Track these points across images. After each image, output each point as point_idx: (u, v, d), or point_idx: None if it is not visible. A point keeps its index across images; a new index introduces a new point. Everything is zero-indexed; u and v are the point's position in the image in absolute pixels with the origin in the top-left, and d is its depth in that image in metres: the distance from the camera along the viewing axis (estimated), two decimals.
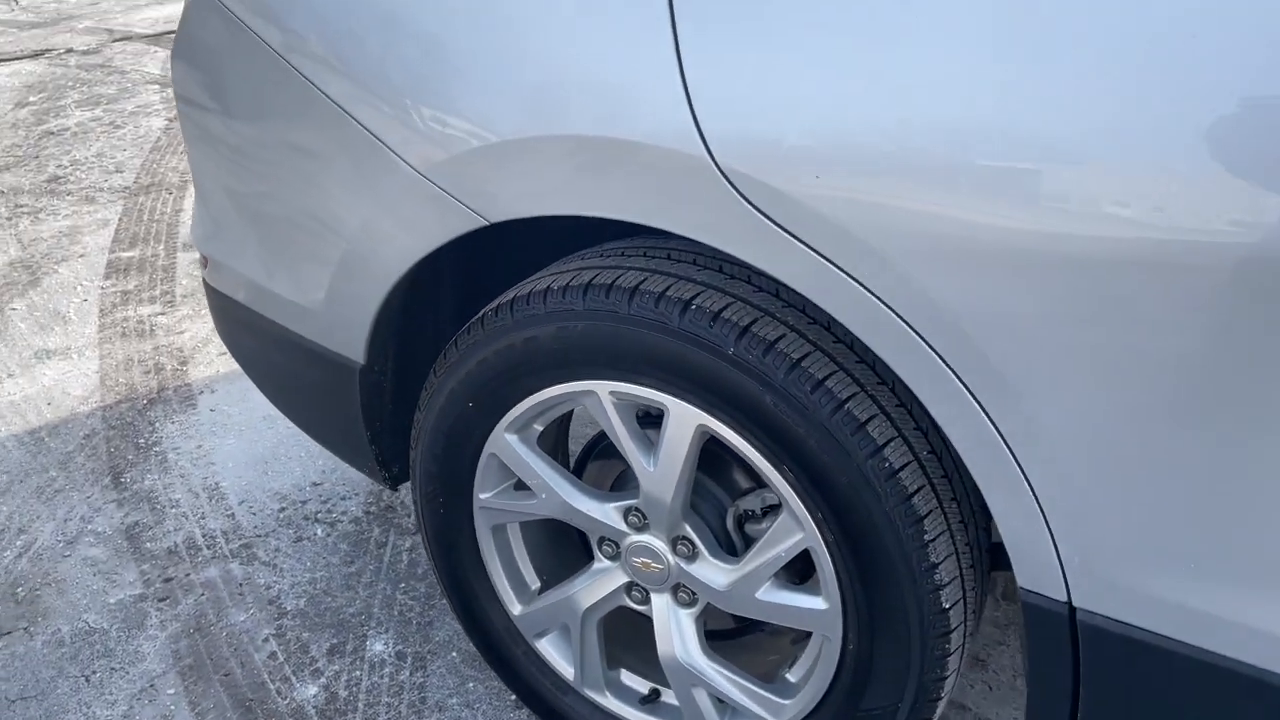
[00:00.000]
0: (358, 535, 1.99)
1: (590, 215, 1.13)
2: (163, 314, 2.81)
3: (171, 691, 1.66)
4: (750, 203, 1.01)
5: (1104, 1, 0.84)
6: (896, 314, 0.99)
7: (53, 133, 4.45)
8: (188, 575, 1.90)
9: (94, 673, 1.71)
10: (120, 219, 3.49)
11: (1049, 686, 1.11)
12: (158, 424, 2.35)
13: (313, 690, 1.65)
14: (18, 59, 5.81)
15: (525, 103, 1.11)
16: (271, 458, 2.21)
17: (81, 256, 3.23)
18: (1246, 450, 0.88)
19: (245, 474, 2.16)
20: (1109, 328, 0.89)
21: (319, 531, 2.00)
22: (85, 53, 5.87)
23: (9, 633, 1.79)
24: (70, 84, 5.23)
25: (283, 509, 2.06)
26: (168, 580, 1.89)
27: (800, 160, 0.97)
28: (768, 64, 0.98)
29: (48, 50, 5.99)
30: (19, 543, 2.00)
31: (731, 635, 1.48)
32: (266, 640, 1.76)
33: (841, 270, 1.00)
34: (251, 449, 2.24)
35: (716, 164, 1.00)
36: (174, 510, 2.07)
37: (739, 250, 1.06)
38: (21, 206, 3.63)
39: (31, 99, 4.98)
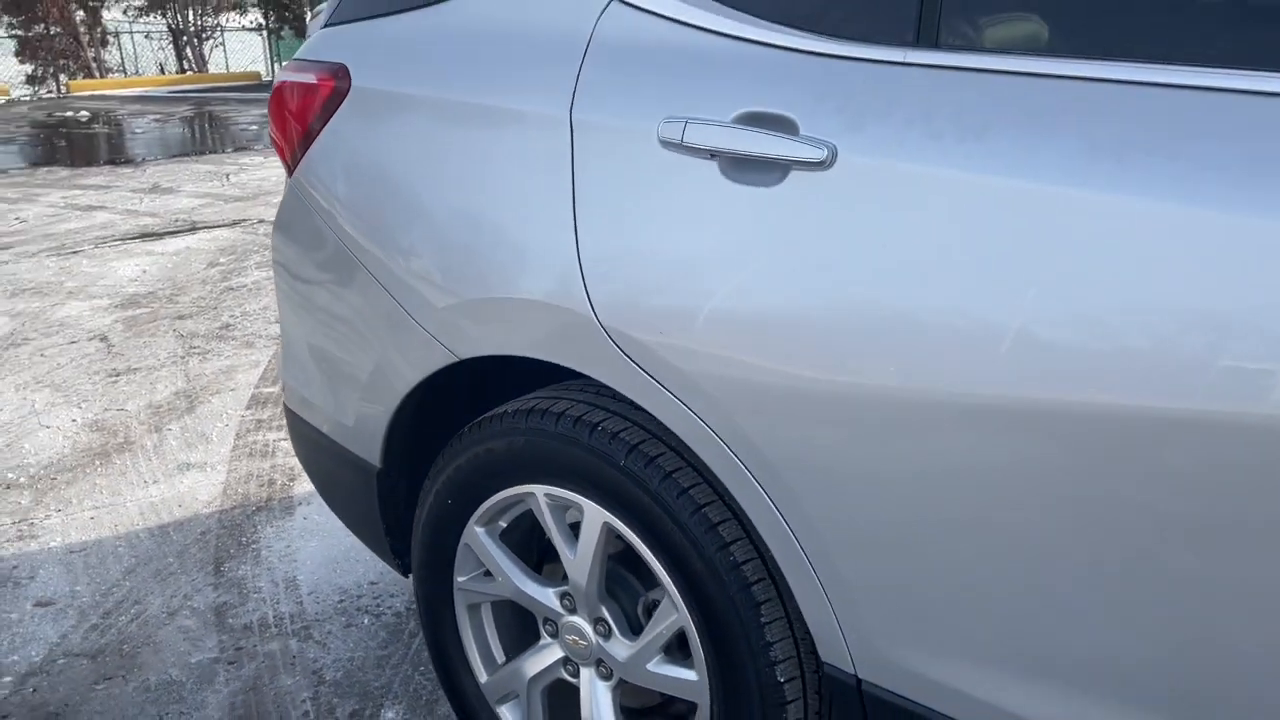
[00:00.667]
0: (396, 626, 2.36)
1: (519, 355, 1.53)
2: (285, 439, 3.33)
3: None
4: (619, 348, 1.39)
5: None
6: (720, 438, 1.33)
7: (232, 288, 5.21)
8: (255, 646, 2.31)
9: (167, 714, 2.11)
10: (269, 361, 4.10)
11: None
12: (260, 527, 2.81)
13: None
14: (218, 227, 6.76)
15: (481, 279, 1.53)
16: (343, 559, 2.63)
17: (232, 390, 3.82)
18: (984, 552, 1.16)
19: (319, 571, 2.59)
20: (862, 456, 1.21)
21: (365, 620, 2.38)
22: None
23: (110, 678, 2.22)
24: (255, 249, 6.07)
25: (341, 600, 2.46)
26: (239, 649, 2.30)
27: (651, 326, 1.34)
28: (634, 261, 1.37)
29: (243, 220, 6.95)
30: (133, 610, 2.46)
31: (649, 712, 1.77)
32: (304, 701, 2.13)
33: (682, 403, 1.35)
34: (328, 551, 2.67)
35: (599, 321, 1.39)
36: (256, 595, 2.50)
37: (615, 384, 1.43)
38: (195, 348, 4.30)
39: (221, 260, 5.82)
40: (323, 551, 2.67)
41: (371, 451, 1.83)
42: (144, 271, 5.56)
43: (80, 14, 14.65)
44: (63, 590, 2.55)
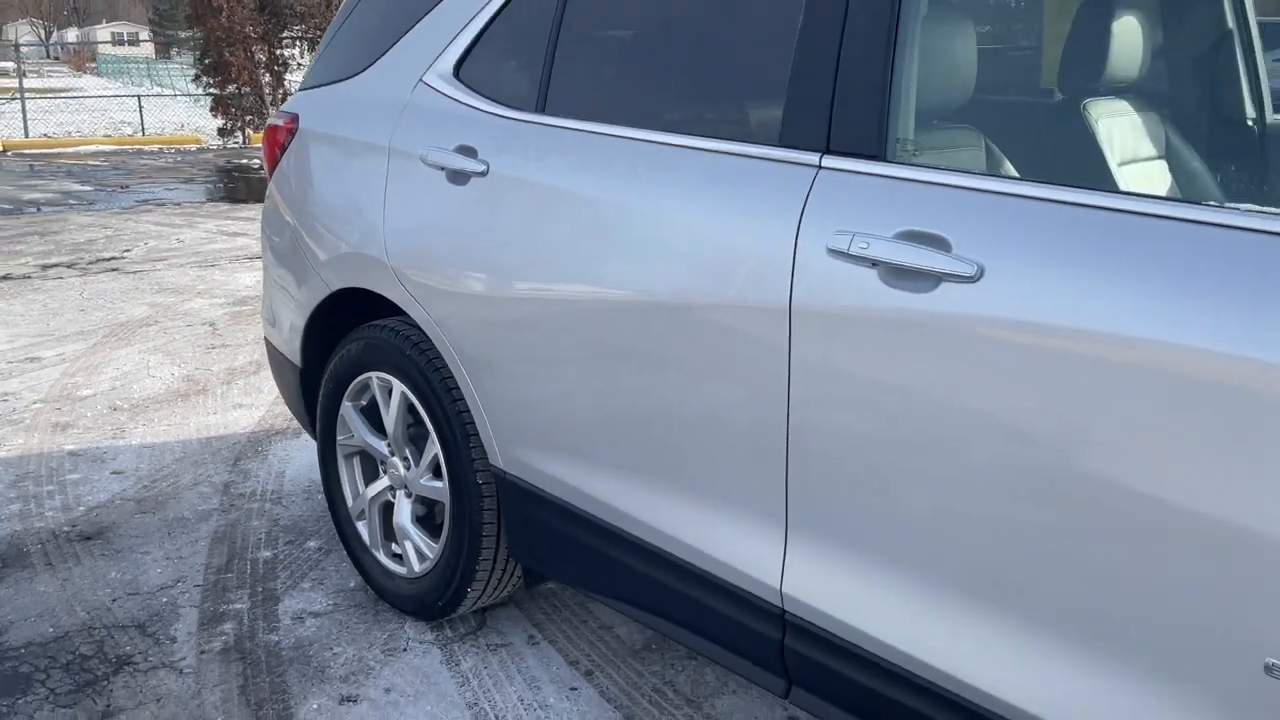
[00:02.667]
0: None
1: (359, 287, 2.57)
2: None
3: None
4: (398, 279, 2.42)
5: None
6: (435, 326, 2.34)
7: None
8: (242, 504, 3.39)
9: (174, 532, 3.20)
10: None
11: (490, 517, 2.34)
12: (273, 443, 3.92)
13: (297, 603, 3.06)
14: None
15: (339, 244, 2.60)
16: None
17: None
18: (561, 391, 2.14)
19: (301, 469, 3.66)
20: (503, 339, 2.20)
21: (319, 498, 3.42)
22: None
23: (144, 513, 3.33)
24: None
25: (308, 486, 3.52)
26: (231, 505, 3.39)
27: (414, 269, 2.37)
28: (404, 230, 2.40)
29: None
30: (171, 480, 3.58)
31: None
32: (261, 532, 3.19)
33: (421, 307, 2.37)
34: (312, 459, 3.74)
35: (390, 265, 2.43)
36: (254, 478, 3.59)
37: (396, 300, 2.45)
38: None
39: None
40: (308, 459, 3.75)
41: (296, 355, 2.90)
42: (258, 281, 6.88)
43: (266, 78, 16.73)
44: (130, 466, 3.71)
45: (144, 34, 68.24)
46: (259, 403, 4.38)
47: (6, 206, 10.20)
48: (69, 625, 2.69)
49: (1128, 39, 2.00)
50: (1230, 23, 2.42)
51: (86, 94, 27.88)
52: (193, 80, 17.98)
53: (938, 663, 1.57)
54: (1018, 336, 1.41)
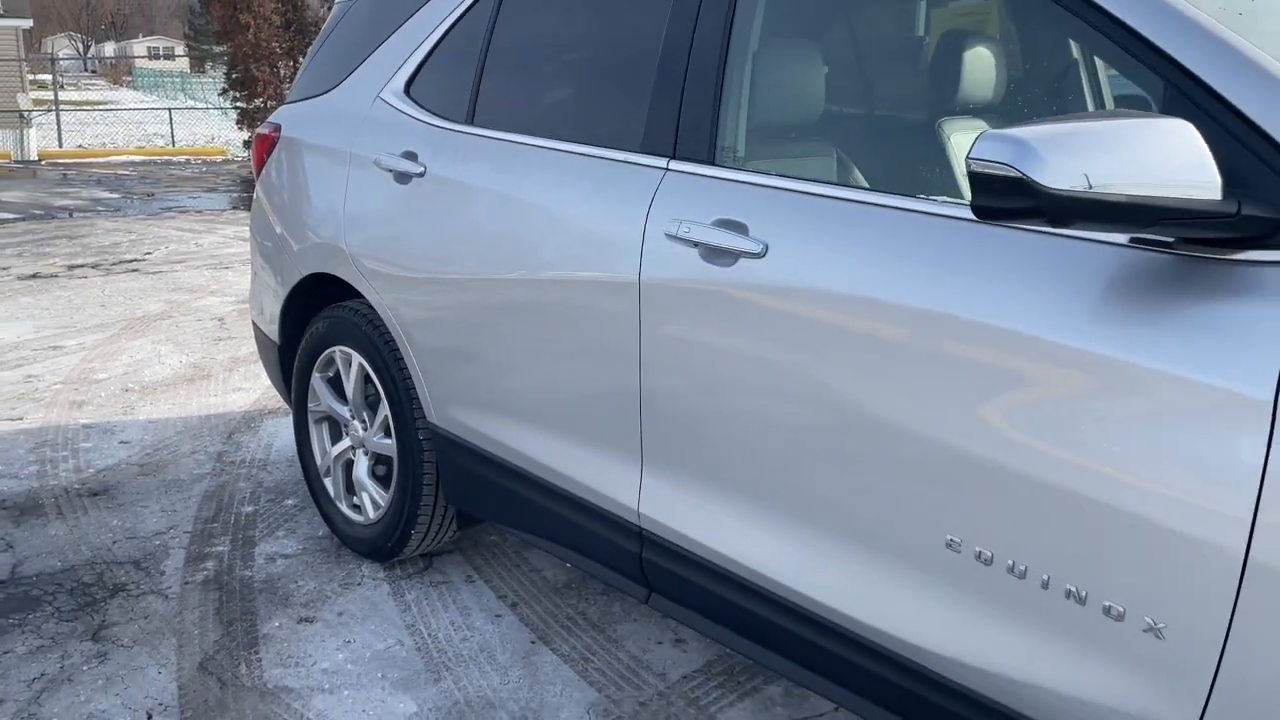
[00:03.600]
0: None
1: (325, 271, 3.01)
2: None
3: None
4: (354, 263, 2.86)
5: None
6: (381, 301, 2.78)
7: None
8: (232, 470, 3.84)
9: (170, 490, 3.65)
10: None
11: (427, 467, 2.77)
12: (265, 420, 4.36)
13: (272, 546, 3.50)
14: None
15: (310, 236, 3.04)
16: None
17: None
18: (482, 357, 2.57)
19: (289, 441, 4.10)
20: (434, 314, 2.64)
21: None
22: None
23: (144, 475, 3.78)
24: None
25: (292, 455, 3.96)
26: (222, 470, 3.83)
27: (367, 256, 2.81)
28: (359, 221, 2.85)
29: None
30: (171, 449, 4.03)
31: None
32: (245, 491, 3.63)
33: (372, 287, 2.81)
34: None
35: (347, 251, 2.87)
36: (244, 449, 4.03)
37: (352, 281, 2.89)
38: None
39: None
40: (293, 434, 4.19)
41: (275, 334, 3.35)
42: None
43: None
44: (136, 437, 4.17)
45: (179, 48, 69.63)
46: (256, 387, 4.83)
47: (39, 212, 10.76)
48: (74, 560, 3.14)
49: (981, 65, 2.39)
50: (1075, 54, 2.83)
51: (120, 106, 28.68)
52: (220, 94, 18.60)
53: (745, 559, 1.98)
54: (791, 298, 1.83)
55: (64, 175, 14.63)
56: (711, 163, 2.04)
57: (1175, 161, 1.33)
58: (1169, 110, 1.48)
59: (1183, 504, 1.38)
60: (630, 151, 2.20)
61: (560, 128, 2.41)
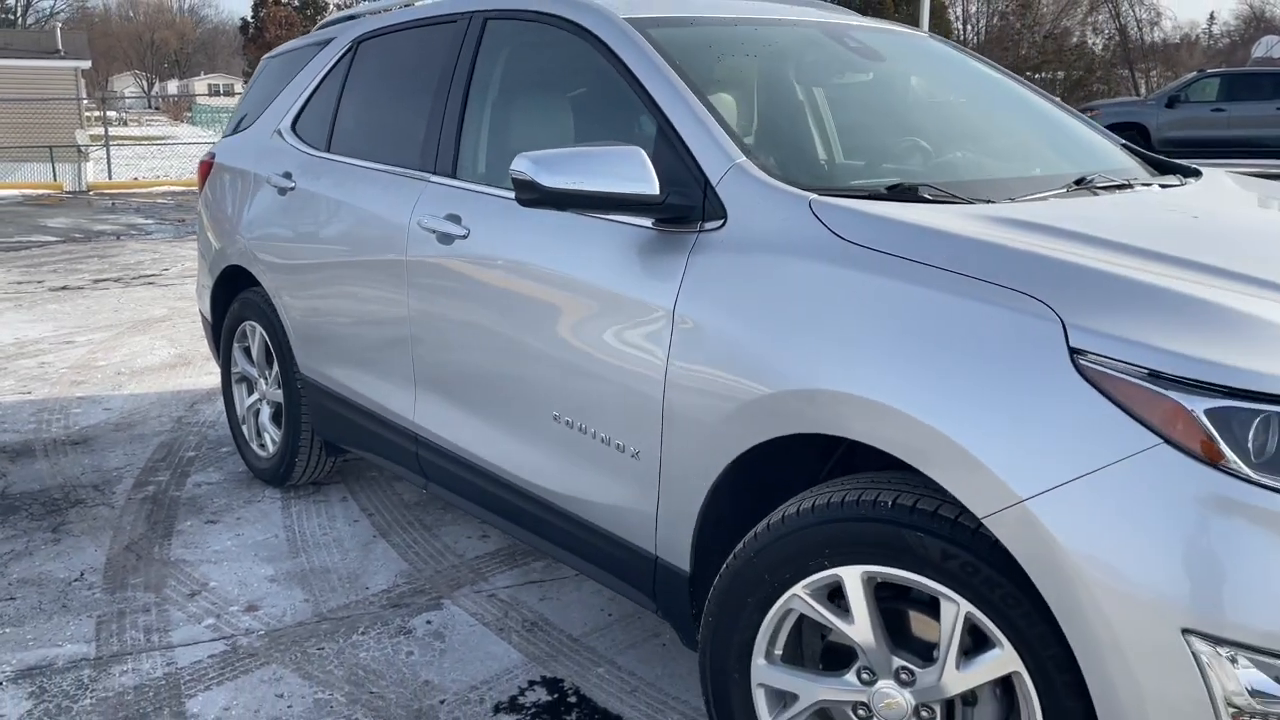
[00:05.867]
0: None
1: (236, 264, 4.00)
2: None
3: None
4: (253, 254, 3.84)
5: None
6: (266, 281, 3.75)
7: None
8: (186, 429, 4.82)
9: (134, 441, 4.64)
10: None
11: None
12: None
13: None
14: None
15: (226, 237, 4.03)
16: None
17: None
18: (332, 325, 3.54)
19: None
20: (304, 293, 3.61)
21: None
22: None
23: (117, 430, 4.78)
24: None
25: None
26: (179, 430, 4.82)
27: (259, 251, 3.78)
28: (253, 225, 3.83)
29: None
30: (144, 415, 5.02)
31: None
32: (193, 441, 4.61)
33: (264, 270, 3.78)
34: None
35: (248, 246, 3.86)
36: (202, 414, 5.02)
37: (251, 270, 3.87)
38: None
39: None
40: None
41: (209, 314, 4.34)
42: None
43: None
44: (117, 406, 5.18)
45: (239, 85, 72.32)
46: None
47: (78, 235, 11.99)
48: (50, 484, 4.13)
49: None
50: (801, 95, 3.73)
51: (176, 141, 30.28)
52: None
53: (465, 445, 2.90)
54: (483, 265, 2.75)
55: (110, 204, 15.95)
56: (452, 176, 2.98)
57: (631, 172, 2.23)
58: (659, 132, 2.38)
59: (642, 376, 2.27)
60: (411, 169, 3.14)
61: (377, 153, 3.36)
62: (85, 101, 28.49)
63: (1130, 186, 2.55)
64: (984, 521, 1.67)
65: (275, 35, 40.76)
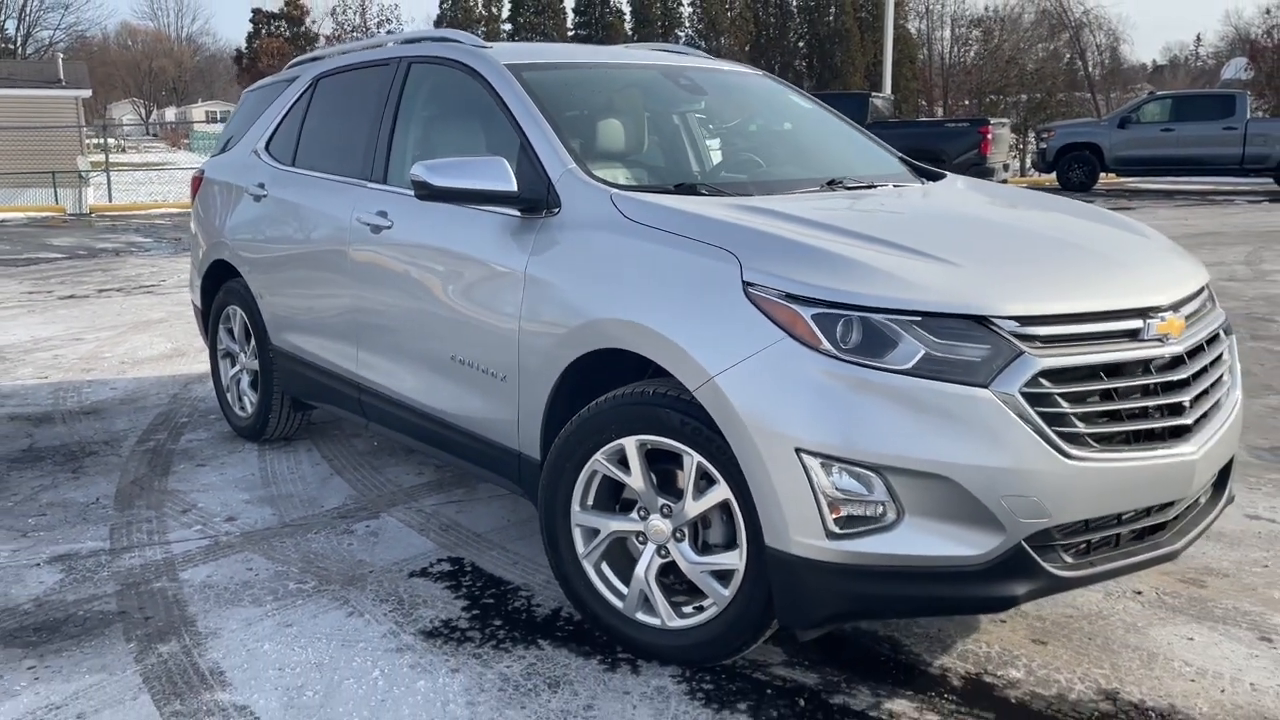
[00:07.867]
0: None
1: (222, 259, 4.92)
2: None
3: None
4: (233, 249, 4.77)
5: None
6: (244, 272, 4.68)
7: None
8: (180, 404, 5.73)
9: (136, 411, 5.56)
10: None
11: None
12: None
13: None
14: None
15: (213, 237, 4.96)
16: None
17: None
18: (299, 303, 4.46)
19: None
20: (274, 277, 4.53)
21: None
22: None
23: (123, 404, 5.69)
24: None
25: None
26: (174, 404, 5.73)
27: (239, 247, 4.71)
28: (233, 226, 4.76)
29: None
30: (146, 393, 5.93)
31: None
32: (187, 412, 5.52)
33: (243, 261, 4.71)
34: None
35: (229, 244, 4.79)
36: (195, 393, 5.93)
37: (229, 260, 4.80)
38: None
39: None
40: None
41: (200, 301, 5.26)
42: None
43: None
44: (122, 386, 6.09)
45: None
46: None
47: (83, 252, 12.92)
48: (68, 441, 5.03)
49: (616, 130, 4.15)
50: (630, 120, 4.63)
51: (174, 166, 31.26)
52: None
53: (391, 386, 3.81)
54: (404, 249, 3.67)
55: (111, 225, 16.89)
56: (383, 182, 3.91)
57: (497, 175, 3.15)
58: (520, 147, 3.30)
59: (506, 316, 3.18)
60: (354, 178, 4.07)
61: (330, 166, 4.29)
62: (85, 129, 29.51)
63: (872, 187, 3.47)
64: (694, 393, 2.58)
65: (268, 65, 41.91)
